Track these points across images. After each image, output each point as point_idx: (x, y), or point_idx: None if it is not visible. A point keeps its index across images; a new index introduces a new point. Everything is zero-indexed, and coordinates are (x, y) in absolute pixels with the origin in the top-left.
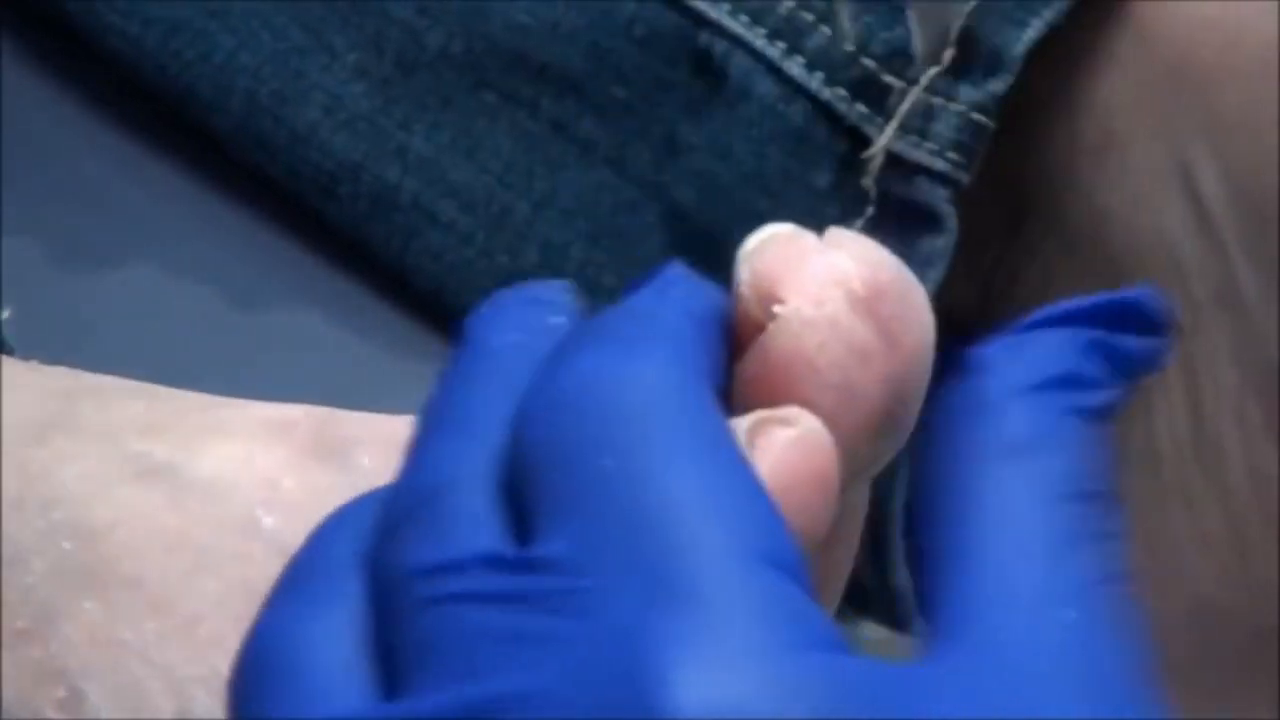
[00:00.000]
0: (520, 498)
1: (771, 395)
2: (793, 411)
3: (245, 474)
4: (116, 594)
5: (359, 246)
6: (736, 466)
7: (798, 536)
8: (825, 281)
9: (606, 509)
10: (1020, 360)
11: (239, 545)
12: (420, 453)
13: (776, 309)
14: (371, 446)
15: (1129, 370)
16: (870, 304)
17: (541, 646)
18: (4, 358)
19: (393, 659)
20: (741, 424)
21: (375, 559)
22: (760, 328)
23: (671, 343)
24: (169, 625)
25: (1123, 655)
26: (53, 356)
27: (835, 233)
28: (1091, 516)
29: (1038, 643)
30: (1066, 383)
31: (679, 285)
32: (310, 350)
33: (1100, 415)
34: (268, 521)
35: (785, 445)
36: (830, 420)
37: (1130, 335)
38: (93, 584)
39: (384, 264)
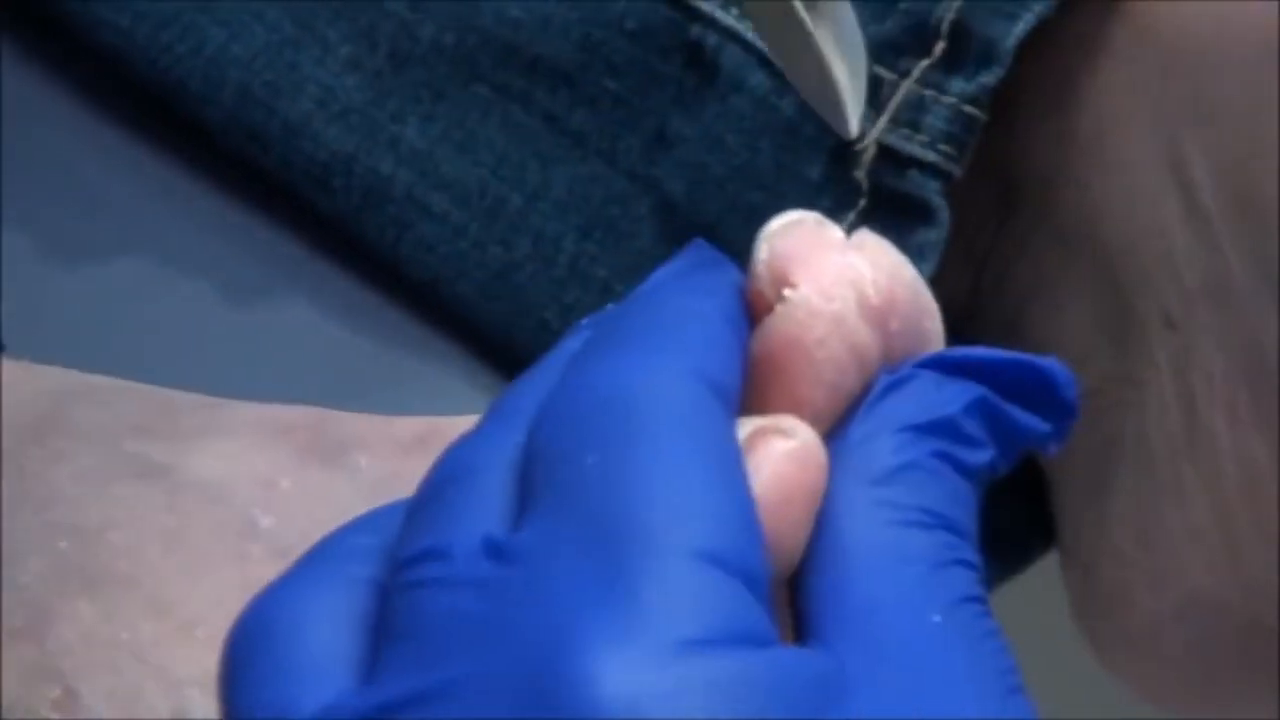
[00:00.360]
0: (523, 488)
1: (767, 380)
2: (789, 422)
3: (242, 474)
4: (112, 594)
5: (352, 238)
6: (717, 469)
7: (789, 550)
8: (839, 279)
9: (575, 503)
10: (901, 398)
11: (236, 546)
12: (458, 441)
13: (787, 292)
14: (369, 447)
15: (1009, 441)
16: (880, 313)
17: (490, 635)
18: None
19: (377, 641)
20: (740, 429)
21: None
22: (769, 309)
23: (687, 349)
24: (165, 626)
25: (992, 658)
26: (44, 351)
27: (863, 235)
28: (956, 546)
29: (913, 644)
30: (941, 430)
31: (707, 272)
32: (303, 342)
33: (972, 472)
34: (265, 522)
35: (782, 457)
36: (815, 419)
37: (1018, 407)
38: (89, 584)
39: (377, 256)
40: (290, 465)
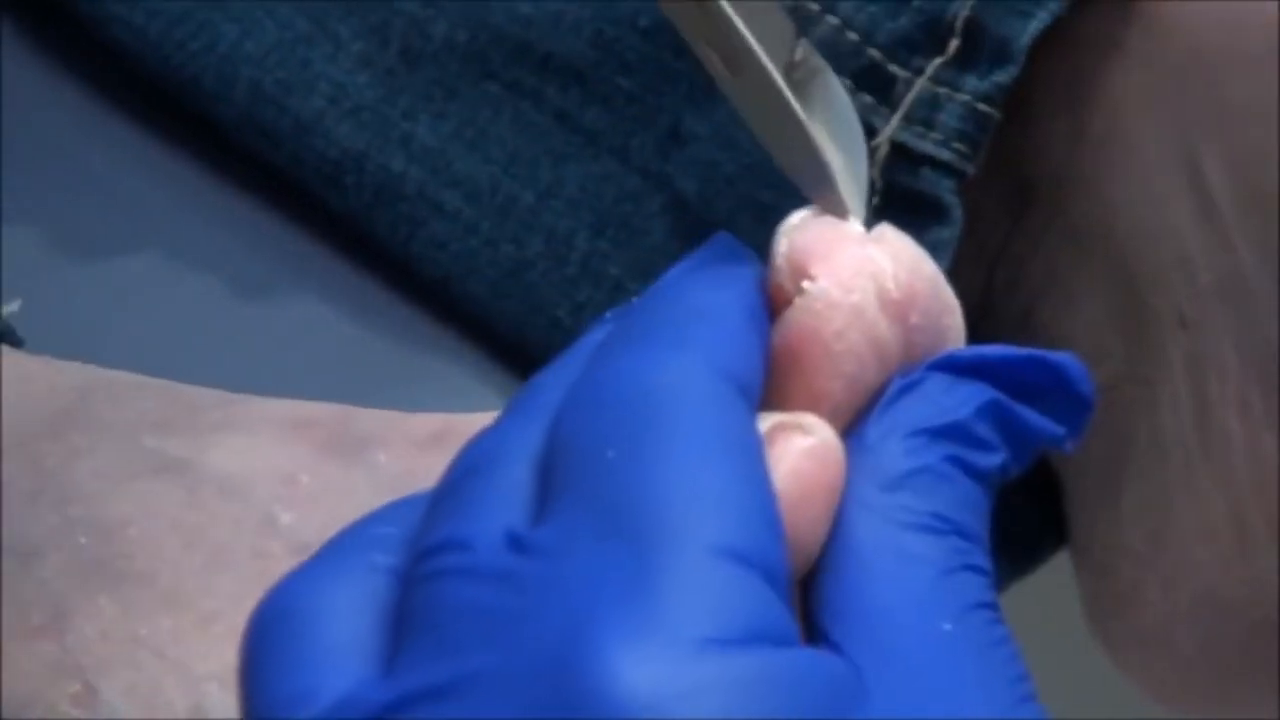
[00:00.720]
0: (544, 482)
1: (786, 372)
2: (809, 419)
3: (262, 470)
4: (132, 590)
5: (363, 236)
6: (739, 464)
7: (806, 548)
8: (859, 271)
9: (596, 498)
10: (913, 400)
11: (256, 542)
12: (481, 432)
13: (806, 285)
14: (389, 444)
15: (1021, 443)
16: (900, 307)
17: (509, 628)
18: (16, 352)
19: (397, 631)
20: (760, 424)
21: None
22: (789, 302)
23: (708, 343)
24: (184, 621)
25: (1003, 667)
26: (59, 347)
27: (883, 229)
28: (967, 551)
29: (922, 651)
30: (953, 434)
31: (728, 265)
32: (314, 340)
33: (984, 476)
34: (285, 518)
35: (801, 454)
36: (834, 412)
37: (1034, 405)
38: (108, 580)
39: (389, 253)
40: (309, 461)
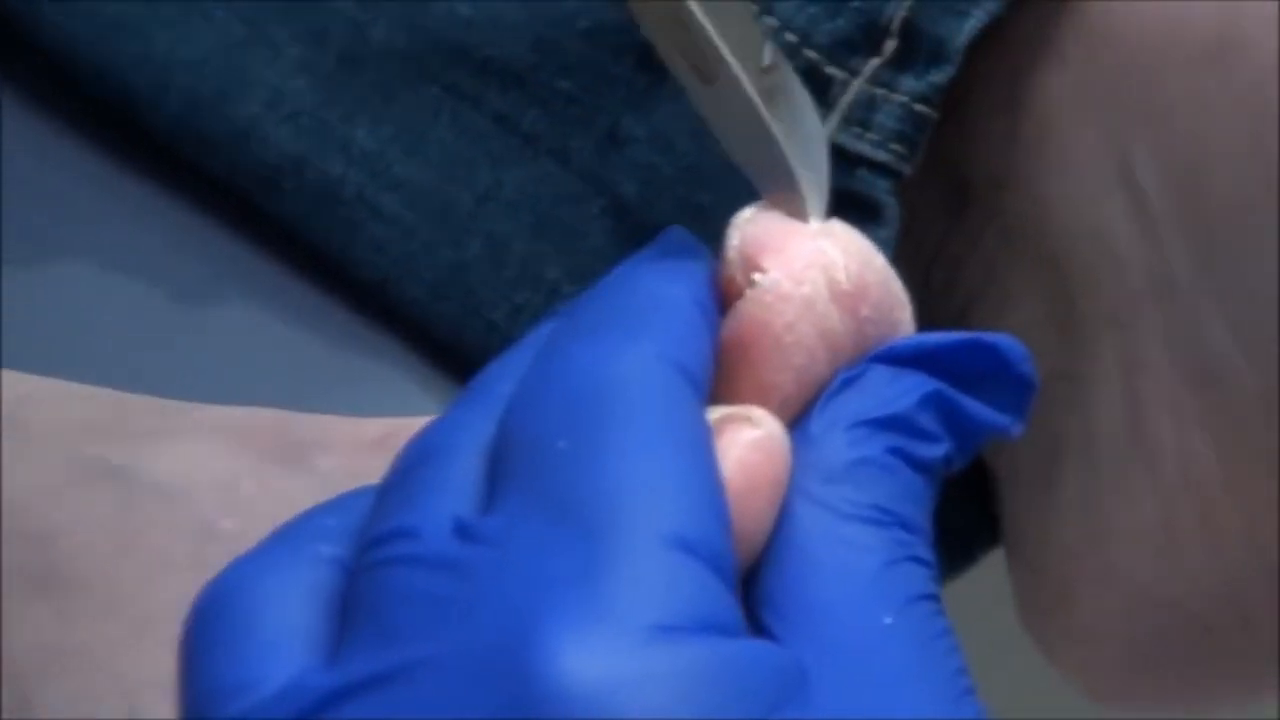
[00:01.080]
0: (494, 471)
1: (736, 364)
2: (756, 411)
3: (201, 477)
4: (67, 598)
5: (302, 240)
6: (689, 455)
7: (751, 538)
8: (810, 263)
9: (546, 487)
10: (855, 393)
11: (195, 549)
12: (431, 423)
13: (756, 277)
14: (330, 449)
15: (965, 433)
16: (851, 299)
17: (456, 616)
18: None
19: (342, 620)
20: (708, 416)
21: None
22: (740, 294)
23: (660, 335)
24: (120, 629)
25: (944, 659)
26: None
27: (833, 223)
28: (909, 543)
29: (864, 645)
30: (895, 425)
31: (680, 258)
32: (253, 344)
33: (927, 467)
34: (226, 525)
35: (748, 446)
36: (783, 404)
37: (976, 390)
38: (43, 588)
39: (327, 257)
40: (250, 468)
